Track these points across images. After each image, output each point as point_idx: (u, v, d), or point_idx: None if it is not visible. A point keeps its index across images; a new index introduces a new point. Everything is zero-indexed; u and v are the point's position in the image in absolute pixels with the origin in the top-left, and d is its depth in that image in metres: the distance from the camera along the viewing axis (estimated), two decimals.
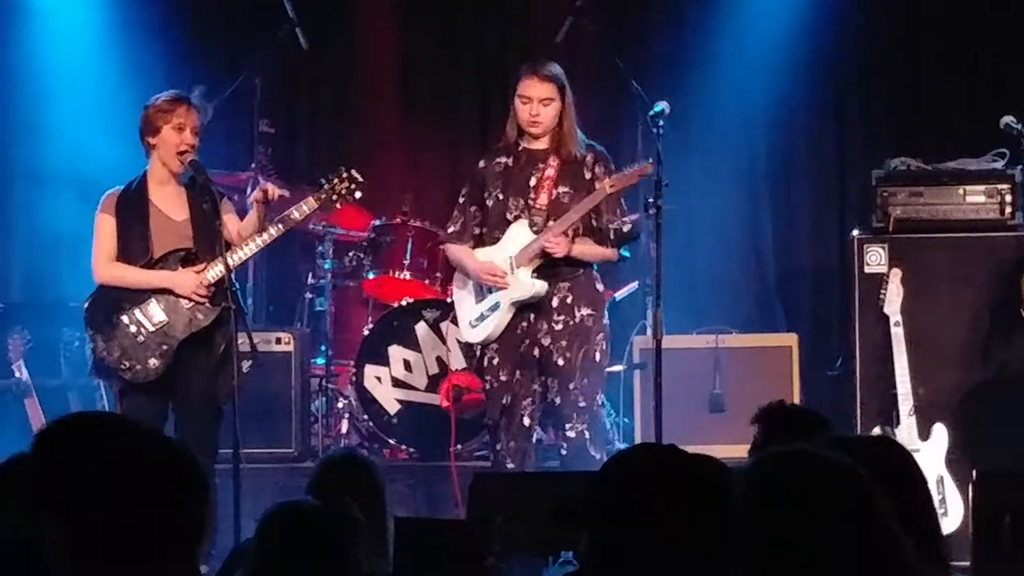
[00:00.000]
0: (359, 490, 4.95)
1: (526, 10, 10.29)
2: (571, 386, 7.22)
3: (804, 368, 8.73)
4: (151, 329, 7.02)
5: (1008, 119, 8.09)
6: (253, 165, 9.29)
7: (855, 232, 8.38)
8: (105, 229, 7.12)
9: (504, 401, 7.28)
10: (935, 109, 10.02)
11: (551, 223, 7.21)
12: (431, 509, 8.08)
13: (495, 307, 7.27)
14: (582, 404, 7.23)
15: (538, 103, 7.25)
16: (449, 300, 8.82)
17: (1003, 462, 7.78)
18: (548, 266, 7.24)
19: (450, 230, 7.50)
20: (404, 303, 8.86)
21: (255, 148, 9.37)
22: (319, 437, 8.92)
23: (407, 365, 8.75)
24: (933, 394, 7.99)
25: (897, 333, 7.95)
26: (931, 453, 7.84)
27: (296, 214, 7.18)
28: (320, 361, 9.17)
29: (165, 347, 7.02)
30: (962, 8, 9.95)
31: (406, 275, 9.07)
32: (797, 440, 3.36)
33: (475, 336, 7.38)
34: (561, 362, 7.23)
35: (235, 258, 7.04)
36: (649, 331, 7.95)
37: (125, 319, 7.04)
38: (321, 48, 10.15)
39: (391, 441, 8.73)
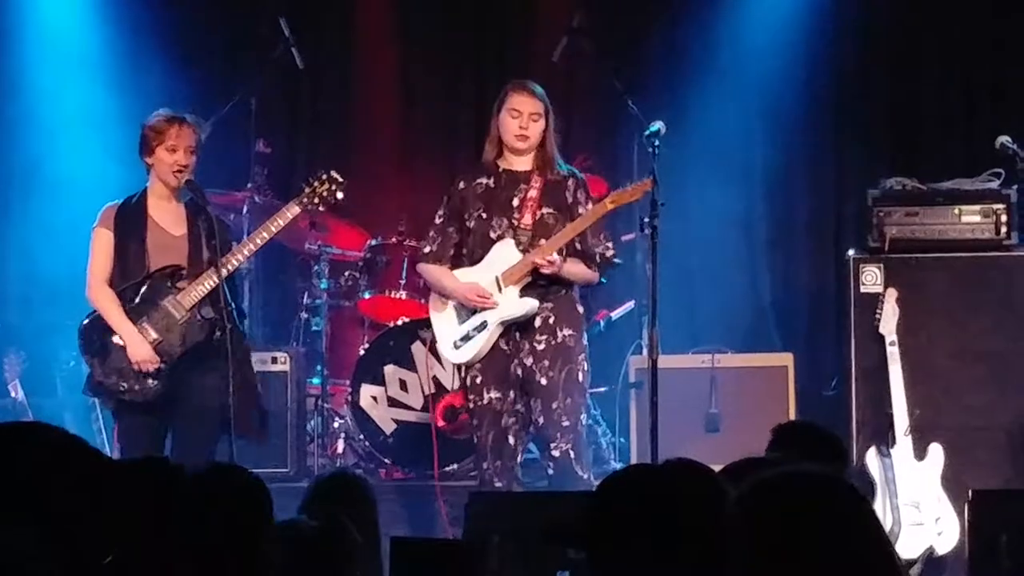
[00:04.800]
0: (352, 509, 4.94)
1: (523, 30, 10.31)
2: (554, 405, 7.19)
3: (800, 388, 8.73)
4: None
5: (1004, 139, 8.11)
6: (249, 185, 9.30)
7: (851, 252, 8.39)
8: (101, 245, 7.11)
9: (488, 420, 7.26)
10: (931, 129, 10.03)
11: (542, 242, 7.20)
12: (427, 529, 8.06)
13: (482, 327, 7.24)
14: (566, 423, 7.20)
15: (528, 117, 7.26)
16: None
17: (999, 481, 7.80)
18: (532, 286, 7.24)
19: (426, 250, 7.44)
20: (400, 323, 8.87)
21: (251, 168, 9.38)
22: (315, 457, 8.90)
23: (403, 385, 8.75)
24: (929, 414, 7.99)
25: (893, 353, 7.96)
26: (927, 473, 7.84)
27: (280, 221, 7.19)
28: (316, 381, 9.17)
29: (162, 366, 7.02)
30: (959, 29, 9.96)
31: (402, 295, 9.07)
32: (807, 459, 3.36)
33: (461, 356, 7.33)
34: (544, 381, 7.20)
35: (224, 270, 7.05)
36: (645, 351, 7.94)
37: (120, 341, 7.04)
38: (317, 68, 10.17)
39: (387, 460, 8.73)
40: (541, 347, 7.22)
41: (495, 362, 7.26)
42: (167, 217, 7.14)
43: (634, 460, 8.39)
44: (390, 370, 8.75)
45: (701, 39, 10.04)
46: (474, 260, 7.33)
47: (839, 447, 4.63)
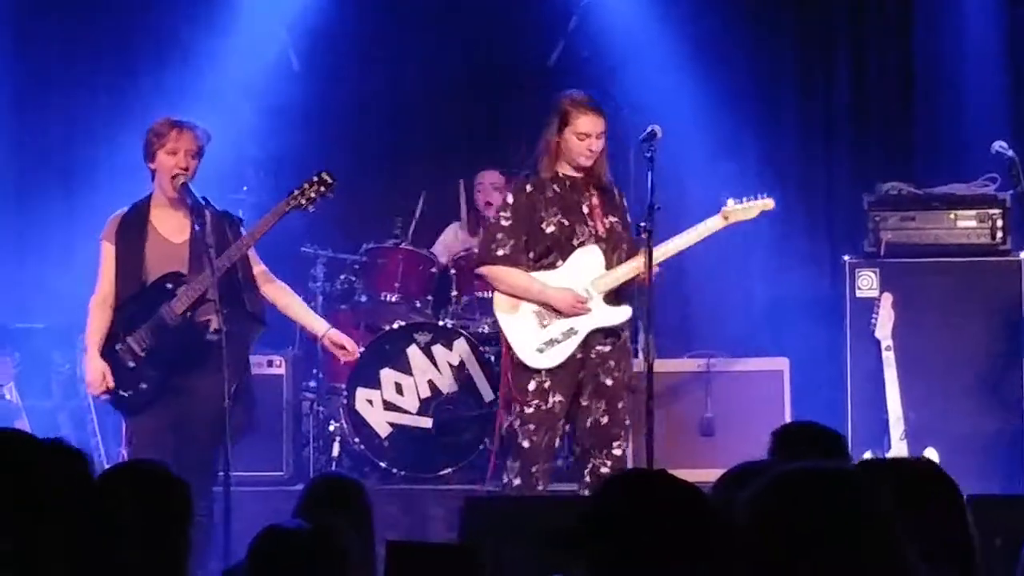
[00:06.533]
0: (347, 513, 4.94)
1: (519, 33, 10.30)
2: (619, 405, 7.27)
3: (795, 392, 8.72)
4: (140, 355, 7.09)
5: (999, 144, 8.12)
6: (244, 188, 9.29)
7: (846, 256, 8.41)
8: (105, 259, 7.24)
9: (548, 425, 7.17)
10: (926, 133, 10.03)
11: (637, 251, 7.26)
12: (422, 532, 8.06)
13: (570, 333, 7.19)
14: (627, 422, 7.32)
15: (595, 138, 7.25)
16: (441, 323, 8.82)
17: (994, 486, 7.80)
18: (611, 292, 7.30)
19: (499, 253, 7.30)
20: (396, 326, 8.86)
21: (245, 171, 9.39)
22: (310, 460, 8.90)
23: (399, 388, 8.75)
24: (924, 418, 8.00)
25: (888, 357, 7.97)
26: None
27: (271, 219, 7.18)
28: (312, 384, 9.17)
29: (154, 371, 7.08)
30: (954, 32, 9.97)
31: (397, 298, 9.06)
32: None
33: (546, 361, 7.22)
34: (610, 382, 7.24)
35: (199, 286, 7.09)
36: (640, 355, 7.94)
37: (118, 347, 7.13)
38: (312, 70, 10.16)
39: (382, 464, 8.72)
40: (607, 349, 7.25)
41: (564, 367, 7.21)
42: (168, 225, 7.17)
43: (630, 464, 8.38)
44: (386, 373, 8.75)
45: (693, 43, 10.03)
46: (546, 265, 7.30)
47: (841, 445, 4.63)
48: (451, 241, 9.74)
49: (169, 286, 7.08)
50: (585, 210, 7.29)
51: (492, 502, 6.81)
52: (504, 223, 7.32)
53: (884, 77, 10.16)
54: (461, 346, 8.76)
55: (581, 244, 7.27)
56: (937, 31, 10.01)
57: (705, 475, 4.14)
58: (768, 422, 8.45)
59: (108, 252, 7.19)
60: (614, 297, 7.29)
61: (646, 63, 10.14)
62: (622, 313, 7.28)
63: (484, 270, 7.44)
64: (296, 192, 7.26)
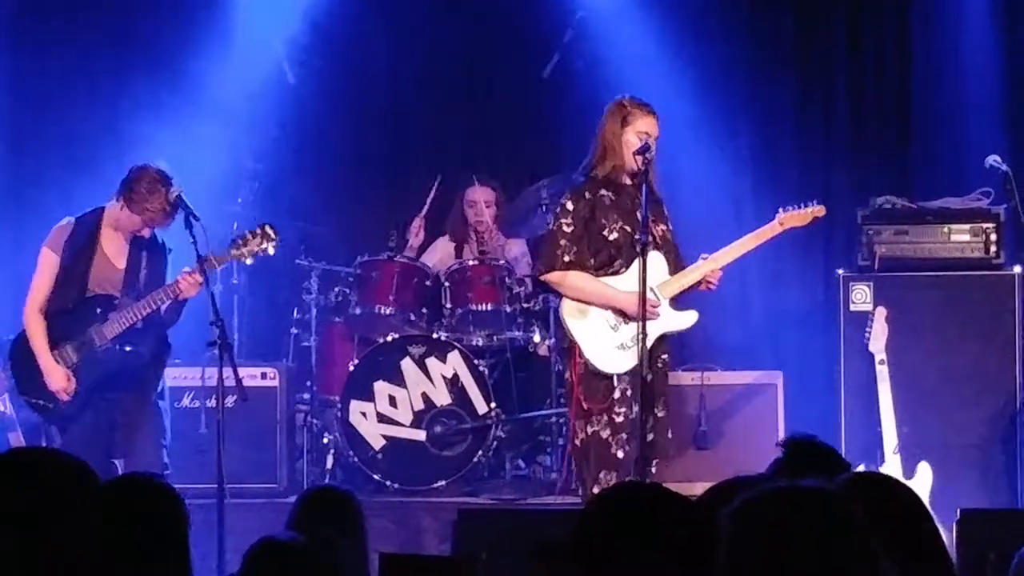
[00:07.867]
0: (340, 525, 4.94)
1: (514, 44, 10.30)
2: (667, 423, 7.26)
3: (789, 405, 8.72)
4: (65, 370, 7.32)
5: (993, 158, 8.13)
6: (239, 200, 9.29)
7: (840, 270, 8.41)
8: (46, 267, 7.37)
9: (631, 434, 7.07)
10: (922, 148, 10.03)
11: (704, 256, 7.35)
12: (415, 545, 8.06)
13: (639, 337, 7.10)
14: (671, 436, 7.29)
15: (652, 141, 7.24)
16: (435, 336, 8.82)
17: (987, 500, 7.81)
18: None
19: (566, 259, 7.23)
20: (389, 338, 8.85)
21: (240, 182, 9.39)
22: (304, 472, 8.90)
23: (392, 401, 8.74)
24: (917, 432, 8.00)
25: (882, 371, 7.97)
26: (916, 491, 7.84)
27: (211, 262, 7.30)
28: (306, 396, 9.17)
29: (74, 387, 7.29)
30: (951, 48, 9.98)
31: (391, 310, 9.06)
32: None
33: (619, 366, 7.16)
34: (663, 398, 7.24)
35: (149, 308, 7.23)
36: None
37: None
38: (307, 83, 10.16)
39: (376, 476, 8.71)
40: (660, 365, 7.24)
41: (635, 376, 7.11)
42: (114, 247, 7.39)
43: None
44: (380, 386, 8.75)
45: (689, 56, 10.04)
46: (611, 271, 7.26)
47: (844, 464, 4.64)
48: (443, 255, 9.68)
49: (99, 310, 7.26)
50: (638, 216, 7.21)
51: (485, 515, 6.80)
52: (567, 229, 7.26)
53: (881, 92, 10.17)
54: (455, 359, 8.76)
55: (642, 250, 7.18)
56: (934, 47, 10.02)
57: (699, 488, 4.14)
58: (762, 435, 8.50)
59: (50, 261, 7.34)
60: (677, 303, 7.29)
61: (641, 76, 10.14)
62: (689, 318, 7.30)
63: (552, 276, 7.31)
64: (239, 241, 7.36)
